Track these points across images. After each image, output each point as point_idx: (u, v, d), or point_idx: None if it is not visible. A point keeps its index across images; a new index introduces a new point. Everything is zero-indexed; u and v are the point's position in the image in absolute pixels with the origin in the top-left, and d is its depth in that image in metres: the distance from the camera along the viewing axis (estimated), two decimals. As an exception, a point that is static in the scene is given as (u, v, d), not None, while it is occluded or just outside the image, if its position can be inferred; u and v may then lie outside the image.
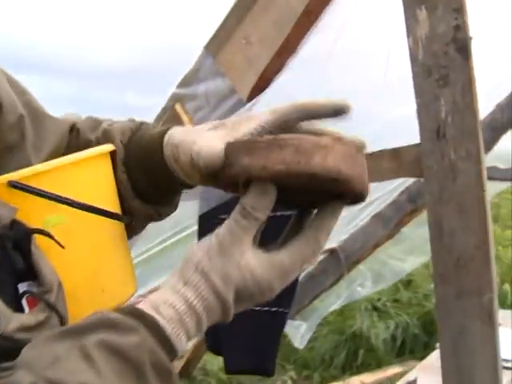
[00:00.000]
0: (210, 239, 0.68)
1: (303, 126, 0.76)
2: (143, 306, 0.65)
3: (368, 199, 0.71)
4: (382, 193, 3.43)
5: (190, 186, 0.83)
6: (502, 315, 2.51)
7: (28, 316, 0.66)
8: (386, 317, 5.26)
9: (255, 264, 0.68)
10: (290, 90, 1.87)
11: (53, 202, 0.72)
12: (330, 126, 0.76)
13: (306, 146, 0.64)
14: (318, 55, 1.91)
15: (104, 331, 0.60)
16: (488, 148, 3.04)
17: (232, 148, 0.69)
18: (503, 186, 4.41)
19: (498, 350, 1.56)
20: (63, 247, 0.71)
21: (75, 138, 0.90)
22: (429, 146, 1.55)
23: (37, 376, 0.54)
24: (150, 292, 0.69)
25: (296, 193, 0.69)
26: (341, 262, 3.72)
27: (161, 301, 0.65)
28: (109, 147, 0.83)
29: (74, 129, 0.91)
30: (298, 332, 4.05)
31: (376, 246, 3.80)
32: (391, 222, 3.62)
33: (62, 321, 0.69)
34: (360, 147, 0.69)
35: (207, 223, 2.34)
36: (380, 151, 1.64)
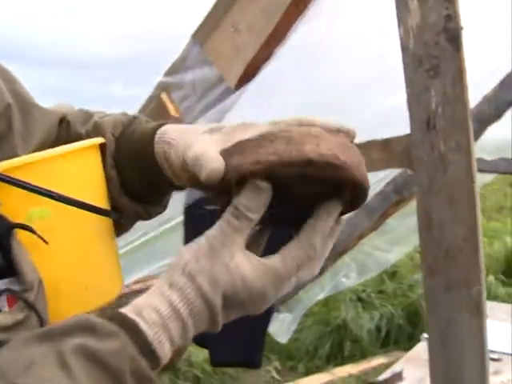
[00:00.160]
0: (200, 241, 0.65)
1: None
2: (126, 309, 0.62)
3: None
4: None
5: (180, 188, 0.80)
6: (488, 306, 2.51)
7: (5, 315, 0.63)
8: (371, 308, 5.27)
9: (246, 268, 0.64)
10: (279, 79, 1.85)
11: (37, 195, 0.69)
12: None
13: (297, 136, 0.63)
14: (307, 44, 1.88)
15: (83, 335, 0.57)
16: (474, 139, 3.03)
17: (222, 153, 0.66)
18: (488, 177, 4.43)
19: (486, 342, 1.56)
20: (46, 242, 0.69)
21: (65, 131, 0.87)
22: (419, 137, 1.54)
23: None
24: (135, 283, 0.66)
25: (293, 191, 0.66)
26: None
27: (145, 304, 0.62)
28: (99, 140, 0.80)
29: (64, 121, 0.88)
30: (283, 325, 4.05)
31: (361, 236, 3.80)
32: (376, 213, 3.62)
33: (41, 321, 0.66)
34: (352, 137, 0.68)
35: (193, 214, 2.32)
36: (369, 141, 1.63)
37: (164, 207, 0.87)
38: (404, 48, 1.55)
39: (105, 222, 0.78)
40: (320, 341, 4.97)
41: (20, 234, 0.68)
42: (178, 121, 1.98)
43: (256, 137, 0.64)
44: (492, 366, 2.14)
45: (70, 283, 0.73)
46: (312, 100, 1.99)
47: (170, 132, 0.76)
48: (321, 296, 4.29)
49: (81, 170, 0.76)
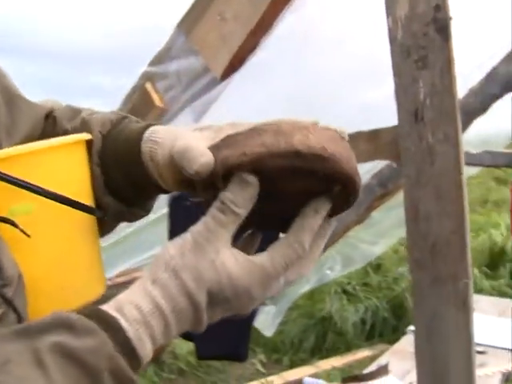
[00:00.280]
0: (185, 236, 0.63)
1: None
2: (107, 306, 0.59)
3: None
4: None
5: (166, 191, 0.77)
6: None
7: None
8: (356, 300, 5.27)
9: (233, 265, 0.62)
10: (266, 69, 1.82)
11: (20, 190, 0.67)
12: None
13: (286, 128, 0.61)
14: (294, 34, 1.86)
15: (60, 333, 0.54)
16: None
17: (210, 148, 0.64)
18: (473, 170, 4.44)
19: (472, 336, 1.55)
20: (28, 236, 0.66)
21: (51, 126, 0.84)
22: (406, 128, 1.53)
23: None
24: (118, 276, 0.63)
25: (283, 187, 0.64)
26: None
27: (126, 301, 0.60)
28: (85, 136, 0.77)
29: (50, 116, 0.85)
30: (268, 317, 4.04)
31: (346, 229, 3.79)
32: (361, 205, 3.61)
33: (20, 318, 0.63)
34: (342, 133, 0.65)
35: (178, 206, 2.29)
36: (357, 133, 1.61)
37: (148, 211, 0.84)
38: (392, 38, 1.53)
39: (89, 221, 0.75)
40: (305, 333, 4.97)
41: (1, 228, 0.65)
42: (163, 111, 1.96)
43: (244, 131, 0.63)
44: (477, 359, 2.14)
45: (47, 281, 0.71)
46: (299, 91, 1.97)
47: (158, 132, 0.74)
48: (306, 288, 4.28)
49: (66, 165, 0.73)
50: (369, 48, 2.03)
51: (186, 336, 2.59)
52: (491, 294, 4.85)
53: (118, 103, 2.20)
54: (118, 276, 3.28)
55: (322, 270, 4.18)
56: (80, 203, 0.72)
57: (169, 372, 4.56)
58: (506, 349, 2.67)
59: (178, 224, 2.33)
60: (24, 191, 0.67)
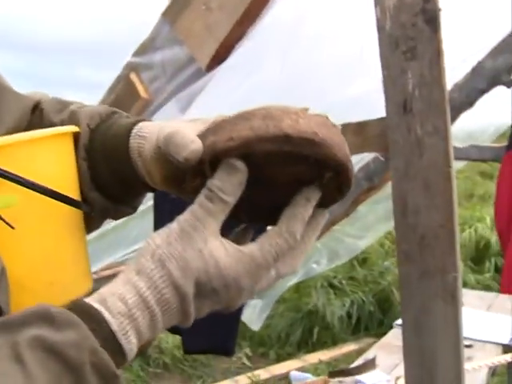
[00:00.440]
0: (171, 225, 0.61)
1: None
2: (90, 298, 0.57)
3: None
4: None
5: (153, 189, 0.75)
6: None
7: None
8: (342, 294, 5.28)
9: (221, 254, 0.60)
10: (252, 59, 1.80)
11: (4, 181, 0.64)
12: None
13: (275, 113, 0.59)
14: (281, 25, 1.84)
15: (40, 326, 0.52)
16: (447, 126, 3.02)
17: (198, 135, 0.62)
18: (458, 164, 4.45)
19: (461, 330, 1.54)
20: (13, 228, 0.64)
21: (38, 119, 0.81)
22: (395, 120, 1.50)
23: None
24: (103, 269, 0.61)
25: (272, 175, 0.62)
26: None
27: (109, 292, 0.57)
28: (72, 128, 0.75)
29: (37, 108, 0.83)
30: (254, 311, 4.03)
31: (332, 223, 3.79)
32: (348, 199, 3.60)
33: (1, 312, 0.61)
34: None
35: (164, 198, 2.27)
36: (344, 125, 1.58)
37: (134, 208, 0.82)
38: (380, 29, 1.51)
39: (75, 215, 0.73)
40: (291, 327, 4.98)
41: None
42: (148, 102, 1.93)
43: (232, 116, 0.61)
44: (464, 353, 2.13)
45: (33, 277, 0.68)
46: (286, 83, 1.95)
47: (146, 127, 0.72)
48: (292, 282, 4.28)
49: (51, 157, 0.71)
50: (356, 40, 2.01)
51: (174, 330, 2.58)
52: (476, 288, 4.87)
53: (100, 96, 2.17)
54: (103, 269, 3.26)
55: (308, 263, 4.18)
56: (66, 197, 0.70)
57: (154, 366, 4.55)
58: (492, 342, 2.68)
59: (164, 217, 2.30)
60: (7, 182, 0.64)
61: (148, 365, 4.53)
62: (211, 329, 2.28)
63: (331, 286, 5.37)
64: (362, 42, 1.85)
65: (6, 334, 0.52)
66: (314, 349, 4.82)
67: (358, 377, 2.37)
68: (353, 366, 2.49)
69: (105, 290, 0.58)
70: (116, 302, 0.56)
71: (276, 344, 4.92)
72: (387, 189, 3.37)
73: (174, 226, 0.60)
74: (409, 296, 1.58)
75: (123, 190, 0.76)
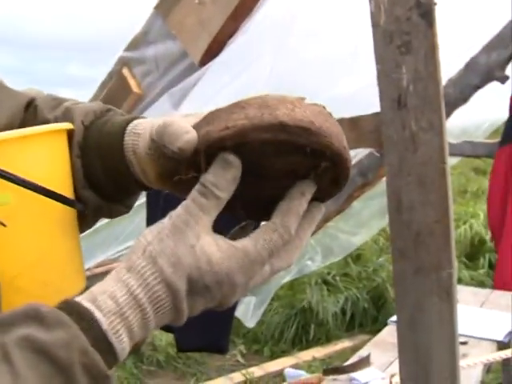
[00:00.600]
0: (163, 221, 0.59)
1: None
2: (80, 297, 0.56)
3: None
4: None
5: (147, 188, 0.74)
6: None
7: None
8: (336, 291, 5.28)
9: (213, 250, 0.58)
10: (245, 55, 1.79)
11: None
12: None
13: (271, 102, 0.58)
14: (274, 20, 1.82)
15: (30, 325, 0.51)
16: (441, 122, 3.01)
17: (193, 126, 0.61)
18: (452, 161, 4.45)
19: (456, 327, 1.53)
20: (5, 225, 0.62)
21: (32, 115, 0.80)
22: (389, 116, 1.49)
23: None
24: (96, 266, 0.59)
25: (268, 167, 0.60)
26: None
27: (100, 291, 0.56)
28: (66, 125, 0.74)
29: (31, 105, 0.81)
30: (249, 308, 4.02)
31: (326, 220, 3.77)
32: (342, 195, 3.59)
33: None
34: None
35: (156, 195, 2.25)
36: (338, 120, 1.57)
37: (128, 207, 0.80)
38: (375, 23, 1.49)
39: (69, 214, 0.72)
40: (285, 324, 4.97)
41: None
42: (140, 97, 1.91)
43: (227, 106, 0.60)
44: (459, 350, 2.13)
45: (27, 277, 0.67)
46: (279, 78, 1.94)
47: (141, 124, 0.71)
48: (286, 279, 4.27)
49: (45, 155, 0.70)
50: (349, 36, 2.00)
51: (167, 328, 2.56)
52: (470, 285, 4.88)
53: (90, 93, 2.15)
54: (96, 266, 3.24)
55: (303, 261, 4.17)
56: (59, 195, 0.69)
57: (148, 364, 4.54)
58: (487, 339, 2.68)
59: (157, 214, 2.29)
60: (1, 180, 0.63)
61: (141, 362, 4.52)
62: (204, 327, 2.27)
63: (325, 282, 5.37)
64: (355, 38, 1.84)
65: None
66: (308, 346, 4.81)
67: (352, 374, 2.37)
68: (347, 363, 2.49)
69: (96, 289, 0.57)
70: (107, 301, 0.55)
71: (270, 341, 4.91)
72: (382, 185, 3.36)
73: (165, 221, 0.59)
74: (403, 293, 1.57)
75: (117, 189, 0.75)
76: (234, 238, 0.62)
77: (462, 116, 3.40)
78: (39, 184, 0.66)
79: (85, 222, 0.76)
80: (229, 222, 0.64)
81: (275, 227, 0.60)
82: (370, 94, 1.55)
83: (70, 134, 0.74)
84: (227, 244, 0.59)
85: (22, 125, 0.79)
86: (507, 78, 3.18)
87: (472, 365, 2.30)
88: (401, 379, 1.58)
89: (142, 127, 0.70)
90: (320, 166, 0.60)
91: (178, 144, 0.60)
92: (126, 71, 1.92)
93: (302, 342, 4.89)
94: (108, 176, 0.73)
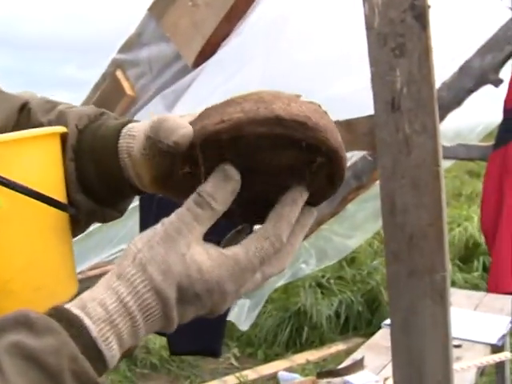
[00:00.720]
0: (155, 227, 0.59)
1: None
2: (70, 304, 0.55)
3: None
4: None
5: (141, 192, 0.74)
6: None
7: None
8: (330, 294, 5.28)
9: (203, 258, 0.58)
10: (239, 57, 1.78)
11: None
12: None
13: (267, 97, 0.58)
14: (268, 21, 1.82)
15: (19, 332, 0.51)
16: (435, 125, 3.01)
17: (189, 122, 0.61)
18: (446, 164, 4.45)
19: (450, 330, 1.52)
20: None
21: (25, 118, 0.80)
22: (383, 118, 1.49)
23: None
24: (90, 269, 0.59)
25: (264, 164, 0.60)
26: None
27: (90, 298, 0.56)
28: (60, 128, 0.73)
29: (25, 108, 0.81)
30: (243, 312, 4.01)
31: (320, 222, 3.77)
32: (336, 198, 3.59)
33: None
34: None
35: (149, 198, 2.25)
36: (333, 123, 1.57)
37: (121, 212, 0.80)
38: (369, 26, 1.49)
39: (61, 218, 0.71)
40: (279, 327, 4.97)
41: None
42: (134, 99, 1.91)
43: (223, 102, 0.60)
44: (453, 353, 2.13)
45: (20, 282, 0.66)
46: (272, 80, 1.93)
47: (136, 127, 0.70)
48: (280, 283, 4.27)
49: (38, 158, 0.69)
50: (343, 38, 1.99)
51: (160, 331, 2.56)
52: (464, 288, 4.88)
53: (85, 94, 2.15)
54: (90, 269, 3.23)
55: (297, 264, 4.17)
56: (52, 199, 0.68)
57: (141, 367, 4.53)
58: (481, 342, 2.68)
59: (149, 217, 2.29)
60: None
61: (135, 365, 4.51)
62: (197, 330, 2.26)
63: (319, 285, 5.37)
64: (349, 40, 1.84)
65: None
66: (302, 349, 4.81)
67: (346, 377, 2.36)
68: (341, 366, 2.48)
69: (86, 295, 0.56)
70: (96, 308, 0.55)
71: (264, 344, 4.91)
72: (376, 187, 3.36)
73: (158, 228, 0.59)
74: (397, 295, 1.56)
75: (110, 193, 0.74)
76: (229, 243, 0.62)
77: (456, 119, 3.40)
78: (31, 188, 0.65)
79: (77, 226, 0.76)
80: (226, 225, 0.63)
81: (267, 235, 0.60)
82: (363, 96, 1.55)
83: (64, 137, 0.74)
84: (218, 252, 0.59)
85: (16, 128, 0.78)
86: (501, 81, 3.18)
87: (466, 368, 2.30)
88: (394, 382, 1.58)
89: (137, 129, 0.70)
90: (315, 162, 0.60)
91: (173, 138, 0.59)
92: (119, 73, 1.91)
93: (295, 345, 4.88)
94: (101, 180, 0.73)
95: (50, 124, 0.77)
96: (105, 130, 0.73)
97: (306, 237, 3.99)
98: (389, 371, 1.77)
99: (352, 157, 3.32)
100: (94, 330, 0.54)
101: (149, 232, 0.59)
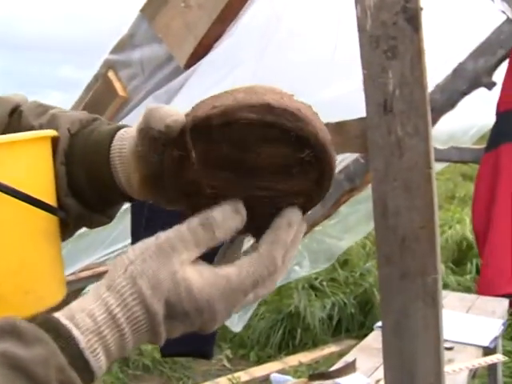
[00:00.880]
0: (150, 240, 0.58)
1: None
2: (59, 313, 0.55)
3: None
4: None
5: (130, 199, 0.73)
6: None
7: None
8: (323, 296, 5.28)
9: (194, 277, 0.57)
10: (231, 58, 1.78)
11: None
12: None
13: (259, 89, 0.60)
14: (261, 22, 1.82)
15: (6, 341, 0.50)
16: (428, 127, 3.02)
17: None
18: (440, 166, 4.46)
19: (441, 332, 1.52)
20: None
21: (16, 122, 0.79)
22: (375, 120, 1.49)
23: None
24: (81, 270, 0.58)
25: (253, 155, 0.60)
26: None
27: (79, 308, 0.55)
28: (50, 132, 0.73)
29: (16, 111, 0.80)
30: (235, 314, 4.01)
31: (314, 224, 3.77)
32: (329, 200, 3.59)
33: None
34: None
35: (139, 203, 2.24)
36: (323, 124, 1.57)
37: (110, 218, 0.80)
38: (361, 28, 1.49)
39: (51, 221, 0.71)
40: (272, 329, 4.96)
41: None
42: (126, 101, 1.90)
43: (215, 94, 0.61)
44: (444, 355, 2.13)
45: (9, 285, 0.66)
46: (263, 81, 1.93)
47: (130, 130, 0.70)
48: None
49: (28, 161, 0.69)
50: (335, 40, 1.99)
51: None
52: (457, 290, 4.88)
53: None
54: (81, 270, 3.22)
55: (290, 266, 4.16)
56: (42, 202, 0.68)
57: (134, 368, 4.52)
58: (473, 345, 2.68)
59: (141, 221, 2.28)
60: None
61: (127, 367, 4.50)
62: (188, 332, 2.25)
63: (312, 287, 5.37)
64: (341, 42, 1.84)
65: None
66: (294, 351, 4.80)
67: (338, 380, 2.36)
68: (333, 368, 2.48)
69: (74, 305, 0.56)
70: (85, 319, 0.54)
71: (256, 346, 4.90)
72: (369, 190, 3.37)
73: (151, 241, 0.58)
74: (389, 298, 1.56)
75: (99, 198, 0.74)
76: (222, 259, 0.62)
77: (449, 122, 3.41)
78: (22, 190, 0.65)
79: (66, 229, 0.75)
80: None
81: (261, 259, 0.60)
82: (356, 98, 1.55)
83: (55, 141, 0.73)
84: (210, 272, 0.58)
85: (6, 131, 0.78)
86: (494, 84, 3.19)
87: (457, 370, 2.30)
88: (385, 385, 1.58)
89: (131, 131, 0.70)
90: (304, 159, 0.60)
91: (165, 122, 0.60)
92: (111, 74, 1.91)
93: (288, 346, 4.88)
94: (91, 185, 0.73)
95: (41, 127, 0.76)
96: (97, 134, 0.73)
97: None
98: (381, 373, 1.76)
99: (344, 159, 3.32)
100: (82, 340, 0.53)
101: (142, 244, 0.59)
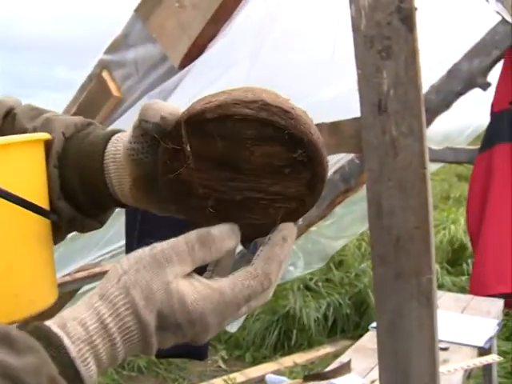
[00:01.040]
0: (144, 250, 0.58)
1: None
2: (51, 321, 0.55)
3: None
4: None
5: (123, 205, 0.74)
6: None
7: None
8: (318, 296, 5.27)
9: (188, 289, 0.57)
10: (226, 58, 1.77)
11: None
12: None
13: (256, 89, 0.61)
14: (256, 22, 1.82)
15: None
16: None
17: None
18: (435, 167, 4.46)
19: (436, 332, 1.52)
20: None
21: (10, 124, 0.79)
22: (369, 120, 1.49)
23: None
24: (76, 271, 0.58)
25: (246, 152, 0.60)
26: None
27: (70, 317, 0.55)
28: (44, 135, 0.72)
29: (9, 114, 0.80)
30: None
31: (309, 225, 3.77)
32: (324, 201, 3.59)
33: None
34: None
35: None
36: (318, 124, 1.56)
37: (101, 223, 0.79)
38: (355, 28, 1.49)
39: (43, 224, 0.70)
40: (267, 330, 4.96)
41: None
42: (120, 101, 1.90)
43: (212, 93, 0.62)
44: (439, 355, 2.13)
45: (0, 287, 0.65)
46: (259, 82, 1.93)
47: (125, 133, 0.70)
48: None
49: (20, 164, 0.68)
50: (330, 40, 1.99)
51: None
52: (452, 290, 4.89)
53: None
54: (77, 271, 3.21)
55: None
56: (35, 205, 0.67)
57: (129, 370, 4.51)
58: (468, 345, 2.68)
59: (135, 221, 2.27)
60: None
61: (122, 368, 4.49)
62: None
63: (307, 288, 5.36)
64: (335, 43, 1.84)
65: None
66: (290, 351, 4.80)
67: (333, 380, 2.35)
68: (328, 369, 2.48)
69: (66, 314, 0.56)
70: (77, 328, 0.54)
71: (252, 347, 4.89)
72: (364, 190, 3.37)
73: (146, 251, 0.58)
74: (384, 298, 1.56)
75: (93, 203, 0.74)
76: (217, 269, 0.63)
77: (444, 122, 3.41)
78: (13, 193, 0.64)
79: (58, 233, 0.75)
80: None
81: (256, 274, 0.60)
82: (350, 98, 1.55)
83: (47, 144, 0.73)
84: (204, 285, 0.58)
85: (0, 133, 0.76)
86: (489, 84, 3.20)
87: (452, 371, 2.30)
88: (380, 385, 1.58)
89: (125, 135, 0.69)
90: (297, 159, 0.60)
91: (160, 114, 0.61)
92: (105, 74, 1.90)
93: (283, 347, 4.87)
94: (84, 189, 0.72)
95: (34, 131, 0.76)
96: (92, 139, 0.73)
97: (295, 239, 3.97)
98: (376, 374, 1.76)
99: (340, 160, 3.32)
100: (73, 350, 0.53)
101: (137, 254, 0.58)
